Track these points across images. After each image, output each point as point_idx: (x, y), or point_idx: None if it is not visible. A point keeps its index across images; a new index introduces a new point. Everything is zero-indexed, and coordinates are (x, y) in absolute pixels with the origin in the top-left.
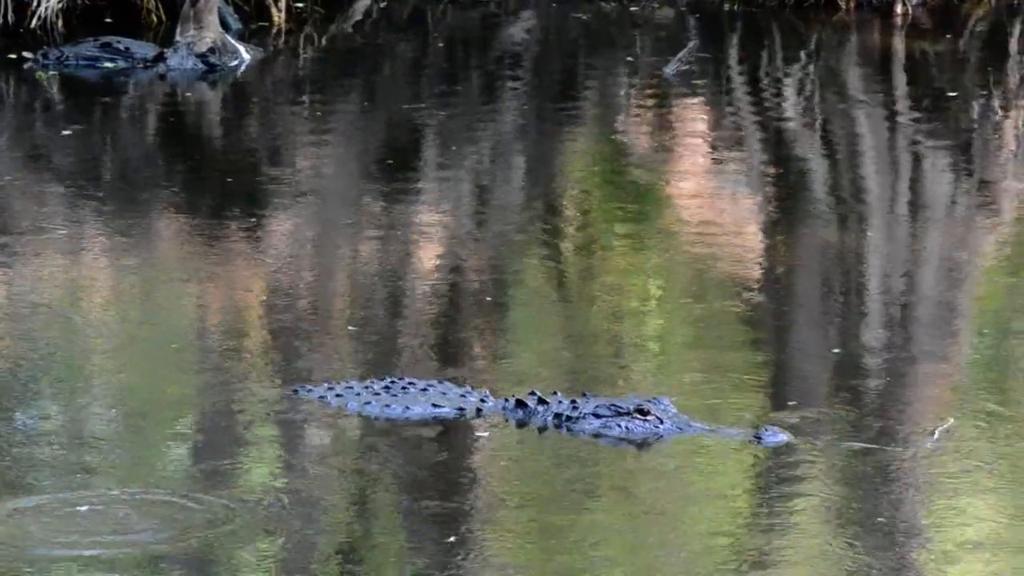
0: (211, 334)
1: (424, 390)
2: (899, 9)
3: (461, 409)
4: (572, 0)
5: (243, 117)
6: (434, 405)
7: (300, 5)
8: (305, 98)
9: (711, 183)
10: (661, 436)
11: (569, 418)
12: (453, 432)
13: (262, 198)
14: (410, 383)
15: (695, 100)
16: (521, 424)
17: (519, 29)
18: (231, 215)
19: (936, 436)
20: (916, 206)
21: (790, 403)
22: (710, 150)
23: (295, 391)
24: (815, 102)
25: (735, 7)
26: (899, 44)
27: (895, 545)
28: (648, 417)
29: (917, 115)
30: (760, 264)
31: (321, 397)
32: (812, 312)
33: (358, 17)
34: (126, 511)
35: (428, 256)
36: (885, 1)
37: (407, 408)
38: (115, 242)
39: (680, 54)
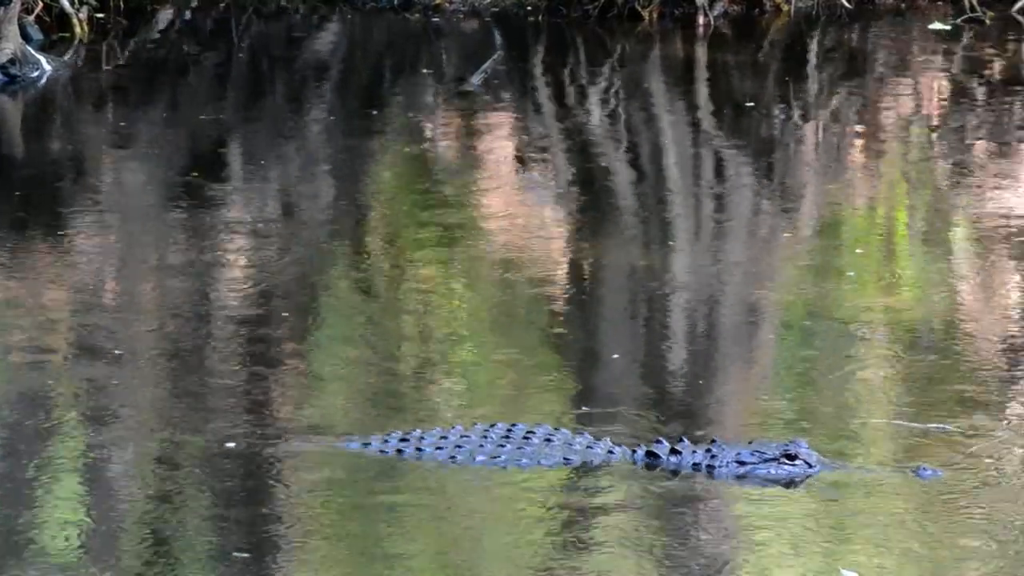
0: (15, 350)
1: (548, 440)
2: (701, 20)
3: (590, 460)
4: (376, 12)
5: (44, 129)
6: (565, 458)
7: (102, 16)
8: (108, 109)
9: (516, 194)
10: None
11: (710, 467)
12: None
13: (63, 211)
14: (529, 432)
15: (500, 110)
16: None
17: (324, 40)
18: (31, 228)
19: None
20: (718, 214)
21: (585, 408)
22: (515, 160)
23: (385, 442)
24: (619, 112)
25: (540, 18)
26: (701, 54)
27: None
28: (796, 462)
29: (719, 125)
30: (566, 273)
31: (438, 448)
32: (617, 321)
33: (161, 28)
34: None
35: (232, 272)
36: (687, 12)
37: (539, 462)
38: None
39: (485, 64)
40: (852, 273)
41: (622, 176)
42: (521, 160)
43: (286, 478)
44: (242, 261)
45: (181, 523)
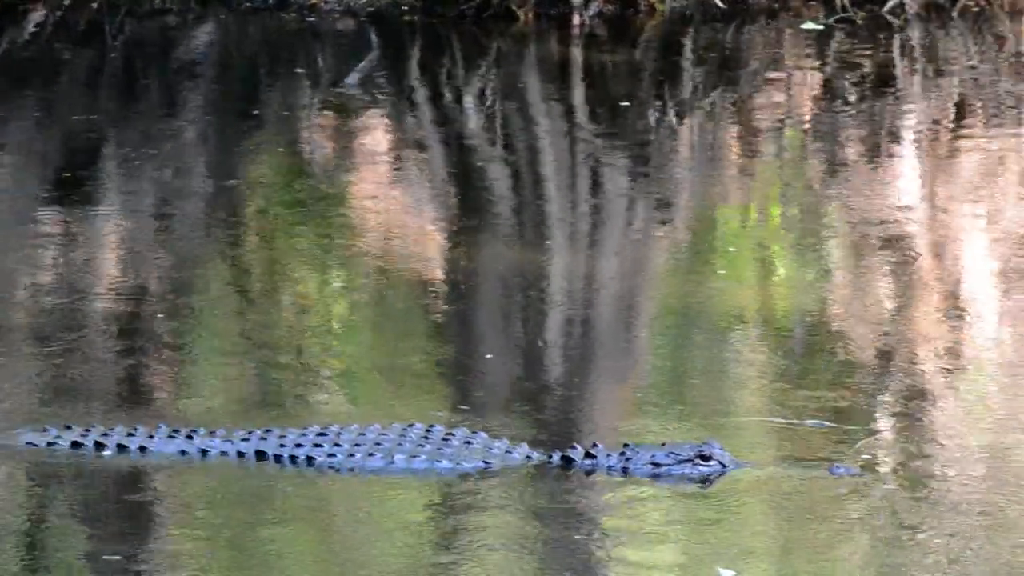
0: None
1: (467, 443)
2: (576, 20)
3: (509, 464)
4: (252, 11)
5: None
6: (485, 462)
7: None
8: None
9: (393, 194)
10: None
11: (625, 469)
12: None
13: None
14: (449, 434)
15: (376, 111)
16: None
17: (199, 41)
18: None
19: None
20: (594, 214)
21: (463, 407)
22: (392, 161)
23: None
24: (496, 112)
25: (415, 18)
26: (577, 54)
27: None
28: (711, 462)
29: (595, 124)
30: (443, 274)
31: (356, 445)
32: (493, 321)
33: (33, 28)
34: None
35: (105, 273)
36: (562, 12)
37: (459, 464)
38: None
39: (361, 64)
40: (724, 271)
41: (498, 175)
42: (397, 159)
43: (175, 479)
44: (115, 262)
45: (48, 528)
